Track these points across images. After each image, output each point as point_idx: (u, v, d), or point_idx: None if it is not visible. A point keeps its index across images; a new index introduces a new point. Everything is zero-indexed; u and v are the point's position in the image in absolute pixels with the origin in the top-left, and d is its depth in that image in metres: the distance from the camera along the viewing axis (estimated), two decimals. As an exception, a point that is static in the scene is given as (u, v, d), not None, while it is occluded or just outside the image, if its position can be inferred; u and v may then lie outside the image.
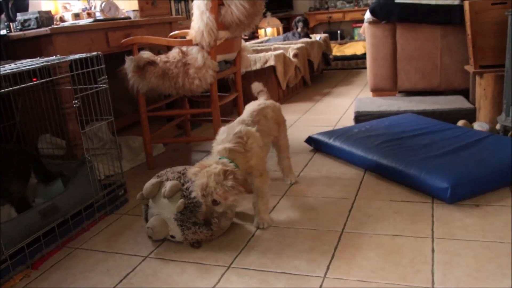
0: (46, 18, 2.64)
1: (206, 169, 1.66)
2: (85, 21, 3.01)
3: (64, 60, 2.07)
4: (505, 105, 2.60)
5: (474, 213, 1.84)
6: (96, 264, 1.73)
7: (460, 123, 2.88)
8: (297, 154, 2.68)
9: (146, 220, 1.88)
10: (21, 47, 2.57)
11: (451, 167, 2.05)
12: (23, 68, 1.85)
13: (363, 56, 5.99)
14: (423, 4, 3.58)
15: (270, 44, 5.18)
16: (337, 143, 2.62)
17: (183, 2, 5.39)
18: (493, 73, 2.91)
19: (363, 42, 6.43)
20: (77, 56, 2.10)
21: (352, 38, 7.84)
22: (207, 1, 2.41)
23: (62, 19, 3.21)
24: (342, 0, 8.10)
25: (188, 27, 2.65)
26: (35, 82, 2.04)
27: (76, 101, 2.02)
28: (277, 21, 7.19)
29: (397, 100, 3.53)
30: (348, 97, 4.35)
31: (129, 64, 2.53)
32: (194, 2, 2.50)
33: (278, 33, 7.07)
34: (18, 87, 1.90)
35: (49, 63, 2.00)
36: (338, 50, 6.72)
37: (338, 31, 7.93)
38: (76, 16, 3.29)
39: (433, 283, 1.42)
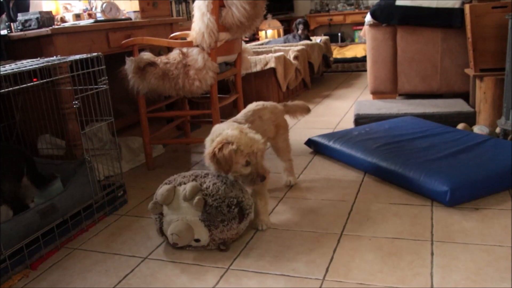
0: (47, 19, 2.64)
1: (244, 129, 1.74)
2: (86, 21, 3.02)
3: (64, 60, 2.07)
4: (505, 108, 2.60)
5: (473, 217, 1.84)
6: (94, 265, 1.73)
7: (460, 126, 2.88)
8: (297, 156, 2.68)
9: (161, 231, 1.80)
10: (21, 47, 2.57)
11: (451, 170, 2.05)
12: (23, 68, 1.85)
13: (363, 59, 6.00)
14: (424, 7, 3.59)
15: (271, 46, 5.18)
16: (337, 146, 2.62)
17: (184, 4, 5.40)
18: (493, 77, 2.91)
19: (364, 44, 6.43)
20: (77, 56, 2.10)
21: (352, 41, 7.85)
22: (208, 3, 2.41)
23: (63, 20, 3.21)
24: (343, 2, 8.11)
25: (189, 29, 2.66)
26: (35, 82, 2.04)
27: (76, 102, 2.02)
28: (277, 23, 7.20)
29: (397, 103, 3.53)
30: (348, 99, 4.35)
31: (129, 65, 2.53)
32: (195, 3, 2.50)
33: (279, 35, 7.07)
34: (18, 87, 1.90)
35: (49, 63, 2.00)
36: (338, 52, 6.73)
37: (339, 34, 7.95)
38: (77, 16, 3.29)
39: (432, 286, 1.42)
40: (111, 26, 2.89)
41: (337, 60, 6.26)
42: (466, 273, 1.47)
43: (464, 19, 3.26)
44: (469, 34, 3.09)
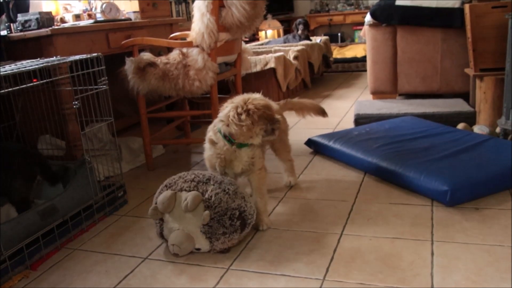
0: (46, 19, 2.64)
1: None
2: (85, 22, 3.02)
3: (64, 61, 2.07)
4: (505, 108, 2.60)
5: (473, 217, 1.84)
6: (95, 265, 1.73)
7: (460, 126, 2.88)
8: (297, 157, 2.68)
9: (161, 236, 1.79)
10: (21, 47, 2.57)
11: (451, 170, 2.05)
12: (23, 69, 1.85)
13: (363, 59, 6.00)
14: (424, 7, 3.59)
15: (271, 46, 5.18)
16: (337, 146, 2.62)
17: (183, 4, 5.40)
18: (493, 77, 2.91)
19: (364, 44, 6.43)
20: (77, 57, 2.10)
21: (352, 41, 7.85)
22: (207, 3, 2.41)
23: (62, 20, 3.21)
24: (342, 2, 8.11)
25: (189, 29, 2.66)
26: (35, 83, 2.04)
27: (76, 102, 2.02)
28: (277, 23, 7.20)
29: (397, 103, 3.53)
30: (348, 99, 4.35)
31: (129, 65, 2.53)
32: (195, 3, 2.50)
33: (279, 35, 7.07)
34: (18, 87, 1.90)
35: (49, 64, 2.01)
36: (338, 52, 6.73)
37: (339, 34, 7.95)
38: (77, 17, 3.29)
39: (432, 286, 1.42)
40: (111, 27, 2.89)
41: (337, 60, 6.26)
42: (467, 273, 1.47)
43: (464, 19, 3.26)
44: (469, 34, 3.09)
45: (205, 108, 2.92)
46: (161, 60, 2.58)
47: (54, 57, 2.21)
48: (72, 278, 1.65)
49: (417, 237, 1.72)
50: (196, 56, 2.49)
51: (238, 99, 1.78)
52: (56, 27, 2.63)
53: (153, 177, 2.64)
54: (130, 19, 3.29)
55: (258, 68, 4.19)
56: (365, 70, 5.43)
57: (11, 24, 2.67)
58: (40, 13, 2.63)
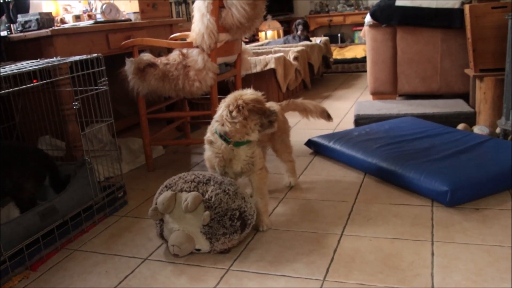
0: (46, 20, 2.64)
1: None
2: (85, 23, 3.02)
3: (64, 61, 2.07)
4: (505, 109, 2.60)
5: (473, 217, 1.84)
6: (95, 266, 1.73)
7: (460, 126, 2.88)
8: (297, 157, 2.68)
9: (161, 236, 1.79)
10: (21, 48, 2.57)
11: (451, 171, 2.05)
12: (23, 70, 1.86)
13: (363, 60, 6.00)
14: (424, 8, 3.59)
15: (271, 47, 5.19)
16: (337, 146, 2.62)
17: (183, 5, 5.40)
18: (493, 77, 2.91)
19: (364, 45, 6.43)
20: (77, 57, 2.10)
21: (352, 42, 7.85)
22: (207, 4, 2.41)
23: (62, 21, 3.22)
24: (342, 3, 8.12)
25: (189, 30, 2.66)
26: (35, 84, 2.04)
27: (76, 103, 2.02)
28: (277, 24, 7.20)
29: (397, 104, 3.53)
30: (348, 100, 4.35)
31: (129, 66, 2.53)
32: (195, 4, 2.50)
33: (279, 36, 7.07)
34: (18, 88, 1.90)
35: (49, 64, 2.01)
36: (338, 53, 6.73)
37: (339, 34, 7.95)
38: (77, 18, 3.30)
39: (432, 286, 1.42)
40: (111, 27, 2.89)
41: (337, 61, 6.26)
42: (467, 273, 1.47)
43: (464, 20, 3.26)
44: (469, 35, 3.09)
45: (205, 108, 2.93)
46: (161, 60, 2.58)
47: (54, 57, 2.21)
48: (72, 279, 1.65)
49: (417, 237, 1.72)
50: (196, 57, 2.49)
51: (230, 97, 1.79)
52: (56, 27, 2.63)
53: (153, 178, 2.64)
54: (130, 20, 3.29)
55: (258, 68, 4.19)
56: (365, 71, 5.43)
57: (11, 25, 2.68)
58: (40, 13, 2.63)
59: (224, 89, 3.36)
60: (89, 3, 3.58)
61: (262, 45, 5.91)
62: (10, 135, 2.53)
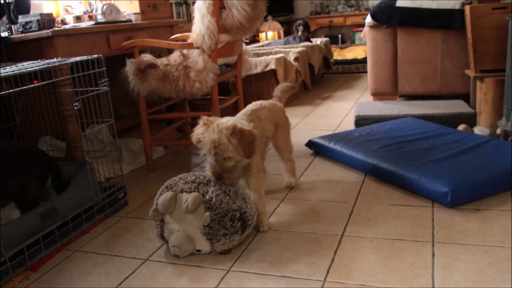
0: (47, 21, 2.64)
1: (217, 123, 1.69)
2: (86, 23, 3.03)
3: (65, 62, 2.07)
4: (505, 109, 2.60)
5: (474, 218, 1.84)
6: (95, 267, 1.73)
7: (461, 127, 2.88)
8: (298, 158, 2.68)
9: (162, 237, 1.79)
10: (22, 49, 2.57)
11: (452, 172, 2.04)
12: (24, 70, 1.86)
13: (363, 60, 6.00)
14: (424, 9, 3.59)
15: (271, 47, 5.19)
16: (337, 147, 2.62)
17: (184, 6, 5.41)
18: (493, 78, 2.91)
19: (364, 46, 6.43)
20: (78, 58, 2.10)
21: (353, 42, 7.85)
22: (208, 4, 2.41)
23: (63, 22, 3.22)
24: (343, 4, 8.12)
25: (189, 31, 2.66)
26: (36, 84, 2.04)
27: (76, 103, 2.02)
28: (278, 25, 7.20)
29: (398, 104, 3.53)
30: (348, 101, 4.35)
31: (130, 66, 2.53)
32: (196, 5, 2.50)
33: (279, 37, 7.07)
34: (19, 89, 1.90)
35: (50, 65, 2.01)
36: (338, 54, 6.73)
37: (339, 35, 7.95)
38: (78, 18, 3.30)
39: (433, 287, 1.42)
40: (111, 28, 2.89)
41: (338, 62, 6.26)
42: (467, 274, 1.47)
43: (464, 20, 3.26)
44: (469, 35, 3.09)
45: (206, 109, 2.92)
46: (161, 61, 2.58)
47: (55, 58, 2.22)
48: (72, 280, 1.65)
49: (417, 238, 1.72)
50: (196, 58, 2.49)
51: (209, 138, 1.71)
52: (57, 28, 2.64)
53: (153, 179, 2.64)
54: (131, 21, 3.29)
55: (259, 69, 4.19)
56: (366, 72, 5.43)
57: (12, 26, 2.68)
58: (40, 14, 2.64)
59: (225, 89, 3.37)
60: (90, 4, 3.59)
61: (262, 46, 5.91)
62: (11, 135, 2.53)
